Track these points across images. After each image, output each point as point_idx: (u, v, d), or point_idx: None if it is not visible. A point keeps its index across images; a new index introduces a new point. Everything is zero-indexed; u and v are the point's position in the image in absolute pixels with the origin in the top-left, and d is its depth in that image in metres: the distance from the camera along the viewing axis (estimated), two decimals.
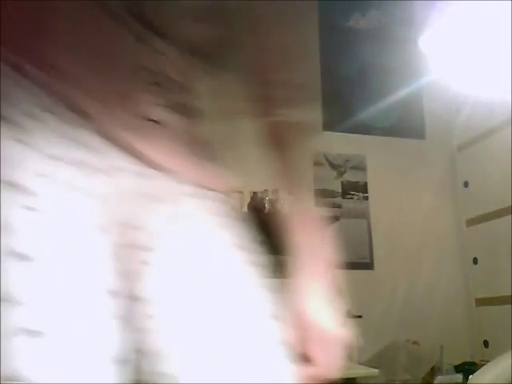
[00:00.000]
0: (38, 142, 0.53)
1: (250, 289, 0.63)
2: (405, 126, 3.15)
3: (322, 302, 0.71)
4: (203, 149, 0.67)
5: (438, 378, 2.35)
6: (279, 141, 0.76)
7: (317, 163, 2.91)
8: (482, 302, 2.82)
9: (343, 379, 1.92)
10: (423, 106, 3.22)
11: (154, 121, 0.60)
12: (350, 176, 2.96)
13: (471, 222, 2.96)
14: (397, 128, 3.13)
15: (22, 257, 0.48)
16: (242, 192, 2.38)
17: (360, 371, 2.16)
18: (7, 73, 0.55)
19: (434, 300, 2.80)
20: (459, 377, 2.35)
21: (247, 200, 2.41)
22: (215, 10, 0.66)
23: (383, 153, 3.03)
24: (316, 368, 0.69)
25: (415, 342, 2.55)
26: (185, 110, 0.64)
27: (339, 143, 2.97)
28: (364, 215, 2.91)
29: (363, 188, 2.96)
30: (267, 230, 0.72)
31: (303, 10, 0.77)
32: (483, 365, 1.99)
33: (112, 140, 0.57)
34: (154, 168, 0.60)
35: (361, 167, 2.99)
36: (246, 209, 2.37)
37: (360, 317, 2.22)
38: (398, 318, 2.65)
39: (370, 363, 2.37)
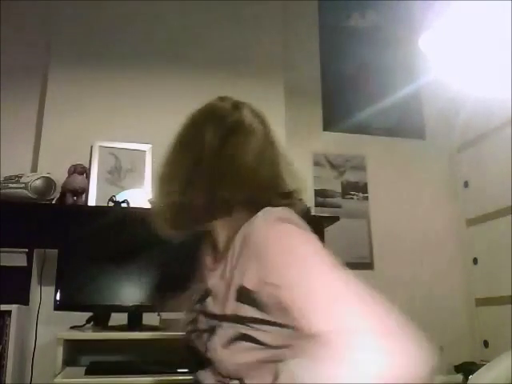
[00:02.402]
0: None
1: None
2: (405, 126, 3.15)
3: None
4: None
5: (438, 378, 2.35)
6: None
7: (317, 163, 2.91)
8: (482, 302, 2.82)
9: None
10: (423, 106, 3.22)
11: None
12: (350, 176, 2.96)
13: (471, 222, 2.96)
14: (397, 128, 3.13)
15: None
16: None
17: None
18: None
19: (433, 300, 2.80)
20: (459, 377, 2.35)
21: None
22: None
23: (383, 153, 3.03)
24: None
25: None
26: None
27: (339, 143, 2.97)
28: (364, 215, 2.91)
29: (363, 188, 2.96)
30: None
31: None
32: (483, 365, 1.98)
33: None
34: None
35: (361, 167, 2.99)
36: None
37: None
38: None
39: None
